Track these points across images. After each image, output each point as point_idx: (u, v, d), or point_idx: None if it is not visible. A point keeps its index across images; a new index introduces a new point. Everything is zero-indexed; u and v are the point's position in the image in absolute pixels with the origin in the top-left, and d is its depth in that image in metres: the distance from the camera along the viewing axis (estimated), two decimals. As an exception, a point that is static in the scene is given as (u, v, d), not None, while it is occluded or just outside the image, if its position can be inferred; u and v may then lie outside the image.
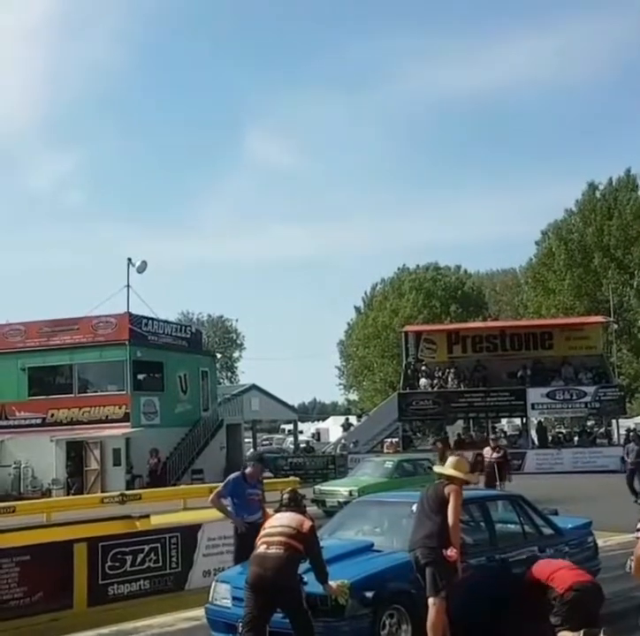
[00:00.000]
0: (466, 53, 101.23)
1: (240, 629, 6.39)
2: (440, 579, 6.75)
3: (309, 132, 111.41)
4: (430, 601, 6.74)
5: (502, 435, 34.92)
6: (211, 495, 9.57)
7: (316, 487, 19.02)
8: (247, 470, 9.39)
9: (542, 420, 33.97)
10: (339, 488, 18.06)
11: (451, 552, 6.82)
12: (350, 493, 16.87)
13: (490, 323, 46.02)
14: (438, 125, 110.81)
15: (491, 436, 22.08)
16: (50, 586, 9.22)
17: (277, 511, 6.81)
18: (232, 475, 9.52)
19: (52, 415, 30.80)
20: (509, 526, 8.50)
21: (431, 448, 16.21)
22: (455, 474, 7.22)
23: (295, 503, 6.74)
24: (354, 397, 71.10)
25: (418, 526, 7.05)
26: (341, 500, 16.56)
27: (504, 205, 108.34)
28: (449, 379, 33.44)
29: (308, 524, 6.49)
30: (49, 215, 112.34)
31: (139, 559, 10.09)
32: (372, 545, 7.50)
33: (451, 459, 7.54)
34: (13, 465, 29.85)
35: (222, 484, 9.63)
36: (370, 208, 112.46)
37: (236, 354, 74.14)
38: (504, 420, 42.18)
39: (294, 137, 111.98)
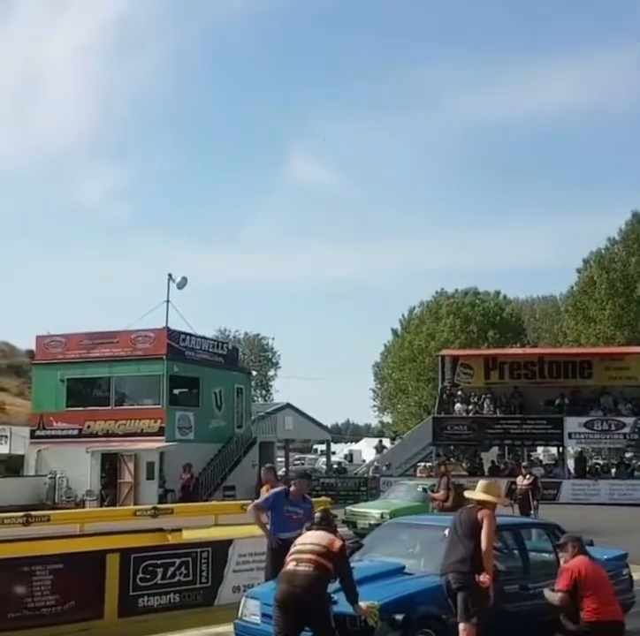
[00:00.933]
0: (508, 80, 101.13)
1: None
2: (472, 604, 6.68)
3: (352, 153, 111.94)
4: (461, 626, 6.68)
5: (538, 463, 34.46)
6: (250, 507, 9.50)
7: (348, 508, 18.97)
8: (292, 487, 9.20)
9: (581, 449, 33.42)
10: (370, 511, 18.03)
11: (483, 578, 6.75)
12: (382, 515, 16.83)
13: (528, 350, 45.57)
14: (482, 150, 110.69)
15: (524, 463, 21.78)
16: (82, 596, 9.29)
17: (308, 529, 6.81)
18: (276, 489, 9.40)
19: (89, 427, 31.12)
20: (543, 554, 8.39)
21: (435, 472, 16.22)
22: (487, 499, 7.16)
23: (327, 523, 6.73)
24: (387, 419, 70.70)
25: (450, 551, 6.99)
26: (372, 522, 16.52)
27: (546, 232, 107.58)
28: (485, 405, 33.12)
29: (338, 543, 6.48)
30: (94, 228, 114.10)
31: (169, 572, 10.12)
32: (403, 567, 7.46)
33: (481, 483, 7.48)
34: (49, 475, 30.21)
35: (263, 497, 9.54)
36: (410, 231, 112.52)
37: (271, 373, 74.39)
38: (540, 449, 41.61)
39: (337, 158, 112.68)
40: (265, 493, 9.85)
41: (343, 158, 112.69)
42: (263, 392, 72.04)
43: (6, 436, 35.07)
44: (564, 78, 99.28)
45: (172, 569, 10.16)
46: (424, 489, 17.47)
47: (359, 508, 18.95)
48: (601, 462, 38.47)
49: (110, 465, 29.54)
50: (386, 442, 47.95)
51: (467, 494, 7.67)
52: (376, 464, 34.21)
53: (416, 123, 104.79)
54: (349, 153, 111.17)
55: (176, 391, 31.93)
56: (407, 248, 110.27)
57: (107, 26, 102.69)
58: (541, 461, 36.85)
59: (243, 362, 38.30)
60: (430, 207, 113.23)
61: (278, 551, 8.28)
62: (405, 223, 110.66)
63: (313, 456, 56.02)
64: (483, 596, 6.76)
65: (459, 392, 34.56)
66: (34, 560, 9.27)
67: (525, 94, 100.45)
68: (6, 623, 8.67)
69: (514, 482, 17.49)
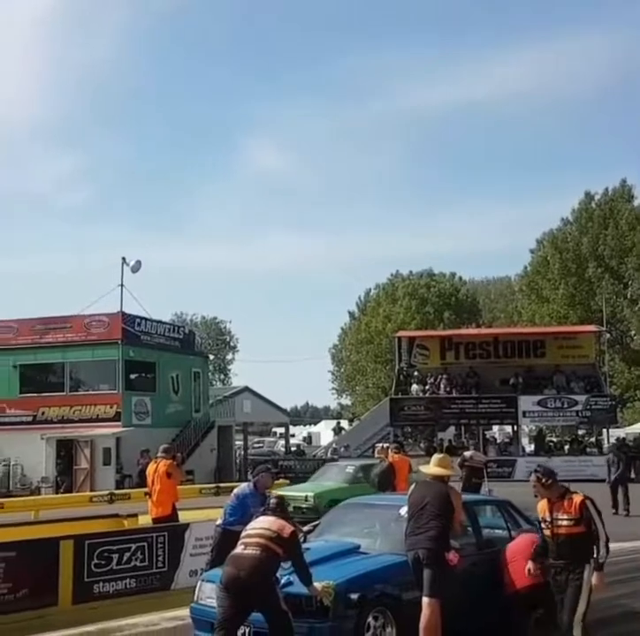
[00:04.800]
0: (458, 66, 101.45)
1: (214, 629, 6.37)
2: (439, 580, 6.77)
3: (307, 143, 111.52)
4: (427, 601, 6.75)
5: (493, 441, 34.94)
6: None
7: (273, 491, 18.10)
8: (257, 482, 9.17)
9: (543, 427, 33.84)
10: (296, 493, 17.22)
11: (452, 556, 6.90)
12: (306, 498, 16.36)
13: (483, 330, 46.06)
14: (435, 138, 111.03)
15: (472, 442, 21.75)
16: (36, 583, 9.16)
17: (261, 514, 6.81)
18: (245, 491, 9.24)
19: (43, 413, 30.74)
20: (496, 531, 8.50)
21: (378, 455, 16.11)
22: (441, 472, 7.36)
23: (281, 509, 6.74)
24: (346, 401, 71.12)
25: (416, 527, 7.02)
26: (297, 505, 15.96)
27: (500, 215, 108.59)
28: (441, 385, 33.45)
29: (289, 529, 6.49)
30: (46, 216, 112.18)
31: (125, 558, 10.04)
32: (359, 547, 7.48)
33: (435, 457, 7.63)
34: (2, 463, 29.79)
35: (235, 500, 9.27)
36: (364, 217, 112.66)
37: (229, 356, 74.18)
38: (495, 428, 42.19)
39: (293, 147, 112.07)
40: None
41: (295, 146, 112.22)
42: (222, 376, 71.86)
43: (-42, 424, 34.39)
44: (517, 62, 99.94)
45: (128, 554, 10.08)
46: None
47: (285, 491, 18.27)
48: (555, 439, 39.13)
49: (66, 452, 29.26)
50: (345, 423, 48.16)
51: (421, 468, 7.77)
52: (334, 445, 34.35)
53: (369, 111, 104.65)
54: (304, 142, 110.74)
55: (132, 376, 31.68)
56: (362, 233, 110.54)
57: (56, 3, 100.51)
58: (496, 439, 37.38)
59: (200, 346, 38.02)
60: (385, 195, 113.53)
61: (227, 541, 8.09)
62: (359, 209, 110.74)
63: (272, 439, 56.01)
64: (450, 573, 6.86)
65: (415, 373, 34.86)
66: (-14, 548, 9.13)
67: (478, 80, 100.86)
68: (-43, 613, 8.54)
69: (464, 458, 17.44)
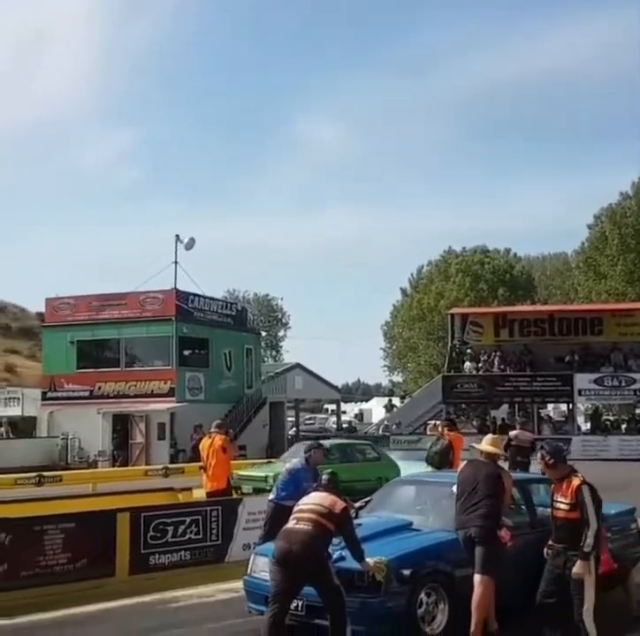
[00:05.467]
0: (514, 39, 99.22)
1: (268, 602, 6.44)
2: (492, 558, 6.76)
3: (362, 117, 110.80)
4: (479, 578, 6.74)
5: (548, 419, 34.52)
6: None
7: (237, 471, 16.65)
8: (310, 455, 9.14)
9: (597, 406, 33.33)
10: (254, 473, 16.76)
11: (505, 533, 6.87)
12: (265, 478, 15.76)
13: (538, 307, 45.45)
14: (491, 112, 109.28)
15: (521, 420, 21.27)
16: (94, 554, 9.38)
17: (313, 490, 6.86)
18: (297, 466, 9.24)
19: (99, 388, 31.31)
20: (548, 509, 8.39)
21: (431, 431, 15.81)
22: (493, 450, 7.33)
23: (333, 485, 6.77)
24: (398, 378, 70.97)
25: (467, 505, 7.00)
26: (257, 486, 15.60)
27: (556, 190, 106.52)
28: (495, 362, 33.12)
29: (341, 505, 6.51)
30: (104, 192, 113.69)
31: (180, 531, 10.19)
32: (411, 524, 7.47)
33: (488, 437, 7.61)
34: (61, 436, 30.50)
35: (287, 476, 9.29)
36: (420, 193, 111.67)
37: (281, 333, 74.50)
38: (550, 406, 41.65)
39: (348, 122, 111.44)
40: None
41: (350, 120, 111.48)
42: (273, 353, 72.21)
43: (18, 398, 35.32)
44: (578, 34, 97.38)
45: (183, 527, 10.23)
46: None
47: (246, 471, 17.44)
48: (611, 418, 38.49)
49: (122, 426, 29.79)
50: (396, 401, 48.14)
51: (474, 445, 7.72)
52: (385, 422, 34.36)
53: (424, 85, 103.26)
54: (356, 115, 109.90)
55: (185, 352, 32.03)
56: (415, 209, 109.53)
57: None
58: (551, 418, 36.92)
59: (252, 323, 38.27)
60: (439, 169, 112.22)
61: (279, 515, 8.12)
62: (413, 184, 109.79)
63: (323, 415, 56.31)
64: (502, 551, 6.85)
65: (468, 350, 34.55)
66: (47, 519, 9.36)
67: (535, 53, 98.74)
68: (19, 581, 8.78)
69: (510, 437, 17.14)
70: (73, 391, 31.54)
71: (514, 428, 16.85)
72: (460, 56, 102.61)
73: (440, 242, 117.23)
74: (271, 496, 9.48)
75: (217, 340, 32.77)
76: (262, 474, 16.47)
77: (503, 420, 33.99)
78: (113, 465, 27.86)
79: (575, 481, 6.41)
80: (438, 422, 15.80)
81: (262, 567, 7.26)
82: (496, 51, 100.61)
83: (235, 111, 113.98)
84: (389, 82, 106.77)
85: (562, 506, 6.42)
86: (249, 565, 7.52)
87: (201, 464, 12.82)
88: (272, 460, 19.83)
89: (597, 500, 6.41)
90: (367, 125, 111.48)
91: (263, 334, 50.40)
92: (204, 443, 12.53)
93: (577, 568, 6.29)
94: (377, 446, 19.23)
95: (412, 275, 66.80)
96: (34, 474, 18.43)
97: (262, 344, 48.10)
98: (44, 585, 8.92)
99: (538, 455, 6.77)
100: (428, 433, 28.53)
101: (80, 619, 8.12)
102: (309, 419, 52.91)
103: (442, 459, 13.19)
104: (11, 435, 31.66)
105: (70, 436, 30.38)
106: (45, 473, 19.02)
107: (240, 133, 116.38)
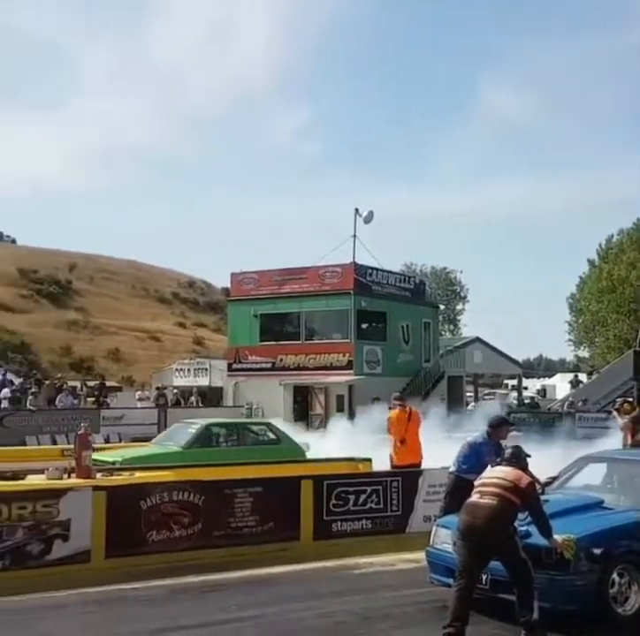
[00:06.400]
0: None
1: (455, 577, 6.40)
2: None
3: (545, 82, 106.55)
4: None
5: None
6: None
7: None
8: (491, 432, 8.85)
9: None
10: (105, 458, 14.63)
11: None
12: (114, 462, 14.02)
13: None
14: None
15: None
16: (280, 518, 9.73)
17: (497, 464, 6.73)
18: (478, 439, 9.00)
19: (281, 360, 32.29)
20: None
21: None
22: None
23: (517, 460, 6.61)
24: (584, 353, 68.07)
25: None
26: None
27: None
28: (691, 337, 31.04)
29: (526, 479, 6.38)
30: (284, 167, 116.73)
31: (361, 500, 10.36)
32: (602, 502, 7.18)
33: None
34: (246, 406, 31.78)
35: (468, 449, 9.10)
36: (605, 159, 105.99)
37: (459, 306, 73.55)
38: None
39: (531, 87, 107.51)
40: None
41: (533, 86, 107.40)
42: (451, 327, 71.46)
43: (206, 369, 37.16)
44: None
45: (364, 496, 10.40)
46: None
47: (98, 455, 14.63)
48: None
49: (302, 398, 30.61)
50: (582, 377, 46.27)
51: None
52: (571, 399, 33.10)
53: (613, 42, 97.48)
54: (539, 78, 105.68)
55: (363, 326, 32.33)
56: (600, 176, 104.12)
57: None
58: None
59: (430, 296, 38.02)
60: (623, 132, 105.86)
61: (460, 488, 8.08)
62: (597, 150, 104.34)
63: (503, 391, 55.14)
64: None
65: (661, 324, 32.58)
66: (236, 483, 9.80)
67: None
68: (211, 540, 9.28)
69: None
70: (256, 363, 32.73)
71: None
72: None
73: (629, 209, 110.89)
74: (452, 468, 9.39)
75: (395, 313, 32.82)
76: (111, 459, 14.54)
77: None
78: (295, 435, 28.69)
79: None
80: (628, 400, 15.06)
81: (444, 539, 7.25)
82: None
83: (416, 83, 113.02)
84: (575, 40, 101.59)
85: None
86: (431, 537, 7.53)
87: (383, 436, 12.86)
88: (130, 444, 17.63)
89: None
90: (551, 89, 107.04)
91: (441, 307, 49.93)
92: (399, 416, 12.53)
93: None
94: (275, 427, 16.27)
95: (600, 245, 63.61)
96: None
97: (440, 317, 47.67)
98: (234, 545, 9.38)
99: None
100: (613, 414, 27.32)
101: (267, 579, 8.46)
102: (488, 393, 51.98)
103: None
104: (200, 405, 33.38)
105: (254, 406, 31.59)
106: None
107: (417, 104, 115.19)
